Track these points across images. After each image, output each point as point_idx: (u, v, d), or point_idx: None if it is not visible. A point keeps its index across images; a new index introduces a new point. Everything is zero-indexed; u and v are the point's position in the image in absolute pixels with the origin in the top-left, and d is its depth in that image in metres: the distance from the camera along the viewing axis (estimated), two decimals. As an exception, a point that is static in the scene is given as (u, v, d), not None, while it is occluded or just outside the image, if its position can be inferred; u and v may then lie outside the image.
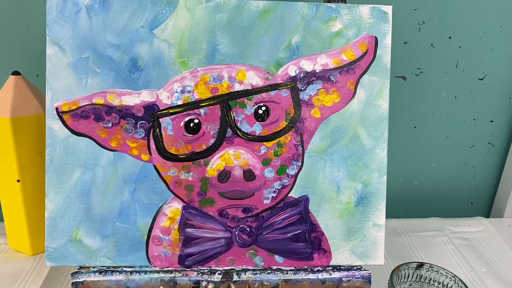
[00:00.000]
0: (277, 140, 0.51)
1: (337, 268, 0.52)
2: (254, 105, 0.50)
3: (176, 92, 0.49)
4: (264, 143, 0.50)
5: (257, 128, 0.50)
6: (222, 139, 0.50)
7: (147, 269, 0.51)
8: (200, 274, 0.51)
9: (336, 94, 0.51)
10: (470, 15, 0.74)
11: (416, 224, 0.75)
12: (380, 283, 0.60)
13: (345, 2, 0.52)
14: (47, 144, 0.49)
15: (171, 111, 0.49)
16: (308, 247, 0.52)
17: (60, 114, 0.48)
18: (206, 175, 0.50)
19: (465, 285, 0.50)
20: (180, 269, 0.51)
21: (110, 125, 0.49)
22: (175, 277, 0.51)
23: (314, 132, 0.51)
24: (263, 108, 0.50)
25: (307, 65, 0.50)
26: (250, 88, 0.50)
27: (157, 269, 0.51)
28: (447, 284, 0.51)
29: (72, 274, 0.50)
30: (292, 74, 0.50)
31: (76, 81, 0.48)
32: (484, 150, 0.83)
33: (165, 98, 0.49)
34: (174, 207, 0.51)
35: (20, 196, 0.60)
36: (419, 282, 0.53)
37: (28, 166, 0.59)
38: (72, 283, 0.50)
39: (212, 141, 0.50)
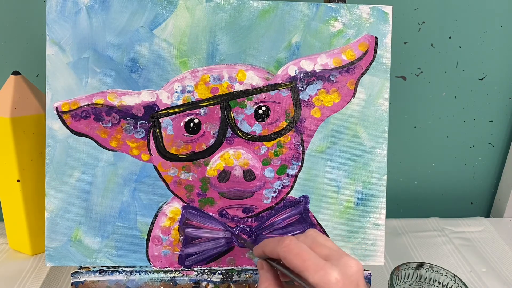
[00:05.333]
0: (277, 140, 0.51)
1: (337, 268, 0.52)
2: (254, 105, 0.50)
3: (176, 92, 0.49)
4: (264, 143, 0.50)
5: (257, 128, 0.50)
6: (222, 139, 0.50)
7: (147, 269, 0.51)
8: (200, 274, 0.51)
9: (336, 94, 0.51)
10: (470, 15, 0.74)
11: (416, 224, 0.75)
12: (380, 283, 0.60)
13: (345, 2, 0.52)
14: (47, 144, 0.49)
15: (171, 111, 0.49)
16: (308, 247, 0.52)
17: (60, 114, 0.48)
18: (206, 175, 0.50)
19: (465, 285, 0.50)
20: (180, 269, 0.51)
21: (110, 125, 0.49)
22: (175, 277, 0.51)
23: (314, 132, 0.51)
24: (263, 108, 0.50)
25: (307, 65, 0.50)
26: (250, 88, 0.50)
27: (157, 269, 0.51)
28: (447, 284, 0.51)
29: (72, 274, 0.50)
30: (292, 74, 0.50)
31: (76, 81, 0.48)
32: (484, 150, 0.83)
33: (165, 98, 0.49)
34: (174, 207, 0.51)
35: (20, 196, 0.60)
36: (419, 282, 0.53)
37: (28, 166, 0.59)
38: (72, 283, 0.50)
39: (212, 141, 0.50)
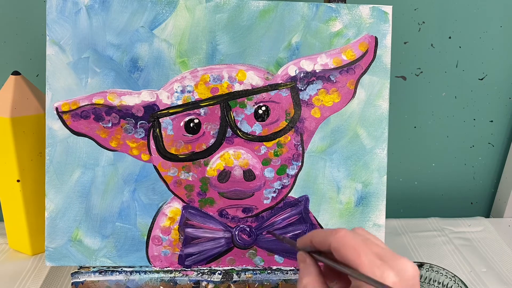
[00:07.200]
0: (277, 140, 0.51)
1: (337, 268, 0.52)
2: (254, 105, 0.50)
3: (176, 92, 0.49)
4: (264, 143, 0.50)
5: (257, 128, 0.50)
6: (222, 139, 0.50)
7: (147, 269, 0.51)
8: (200, 274, 0.51)
9: (336, 94, 0.51)
10: (470, 15, 0.74)
11: (416, 224, 0.75)
12: (380, 283, 0.60)
13: (345, 2, 0.52)
14: (47, 144, 0.49)
15: (171, 111, 0.49)
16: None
17: (60, 114, 0.48)
18: (206, 175, 0.50)
19: (465, 285, 0.50)
20: (180, 269, 0.51)
21: (110, 125, 0.49)
22: (175, 277, 0.51)
23: (314, 132, 0.51)
24: (263, 108, 0.50)
25: (307, 65, 0.50)
26: (250, 88, 0.50)
27: (157, 269, 0.51)
28: (447, 284, 0.51)
29: (72, 274, 0.50)
30: (292, 74, 0.50)
31: (76, 81, 0.48)
32: (484, 150, 0.83)
33: (165, 98, 0.49)
34: (174, 207, 0.51)
35: (20, 196, 0.60)
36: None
37: (28, 166, 0.59)
38: (72, 283, 0.50)
39: (212, 141, 0.50)
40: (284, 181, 0.51)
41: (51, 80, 0.48)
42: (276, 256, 0.52)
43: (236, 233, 0.51)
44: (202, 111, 0.49)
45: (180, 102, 0.49)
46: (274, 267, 0.52)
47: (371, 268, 0.32)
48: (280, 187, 0.51)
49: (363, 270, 0.32)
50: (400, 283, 0.32)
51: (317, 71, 0.50)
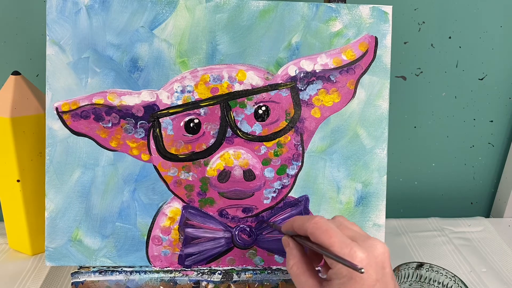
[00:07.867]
0: (277, 140, 0.51)
1: (337, 268, 0.52)
2: (254, 105, 0.50)
3: (176, 92, 0.49)
4: (264, 143, 0.50)
5: (257, 128, 0.50)
6: (222, 139, 0.50)
7: (147, 269, 0.51)
8: (200, 274, 0.51)
9: (336, 94, 0.51)
10: (470, 15, 0.74)
11: (416, 224, 0.75)
12: (380, 283, 0.60)
13: (345, 2, 0.52)
14: (47, 144, 0.49)
15: (171, 111, 0.49)
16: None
17: (60, 114, 0.48)
18: (206, 175, 0.50)
19: (465, 285, 0.50)
20: (180, 269, 0.51)
21: (110, 125, 0.49)
22: (175, 277, 0.51)
23: (314, 132, 0.51)
24: (263, 108, 0.50)
25: (307, 65, 0.50)
26: (250, 88, 0.50)
27: (157, 269, 0.51)
28: (447, 284, 0.51)
29: (72, 274, 0.50)
30: (292, 74, 0.50)
31: (76, 81, 0.48)
32: (484, 150, 0.83)
33: (165, 98, 0.49)
34: (174, 207, 0.51)
35: (20, 196, 0.60)
36: (419, 282, 0.53)
37: (28, 166, 0.59)
38: (72, 283, 0.50)
39: (212, 141, 0.50)
40: (284, 181, 0.51)
41: (51, 80, 0.48)
42: (276, 256, 0.52)
43: (236, 233, 0.51)
44: (202, 111, 0.49)
45: (180, 102, 0.49)
46: (274, 267, 0.52)
47: (340, 247, 0.35)
48: (280, 187, 0.51)
49: (333, 249, 0.35)
50: (367, 259, 0.35)
51: (317, 71, 0.50)
